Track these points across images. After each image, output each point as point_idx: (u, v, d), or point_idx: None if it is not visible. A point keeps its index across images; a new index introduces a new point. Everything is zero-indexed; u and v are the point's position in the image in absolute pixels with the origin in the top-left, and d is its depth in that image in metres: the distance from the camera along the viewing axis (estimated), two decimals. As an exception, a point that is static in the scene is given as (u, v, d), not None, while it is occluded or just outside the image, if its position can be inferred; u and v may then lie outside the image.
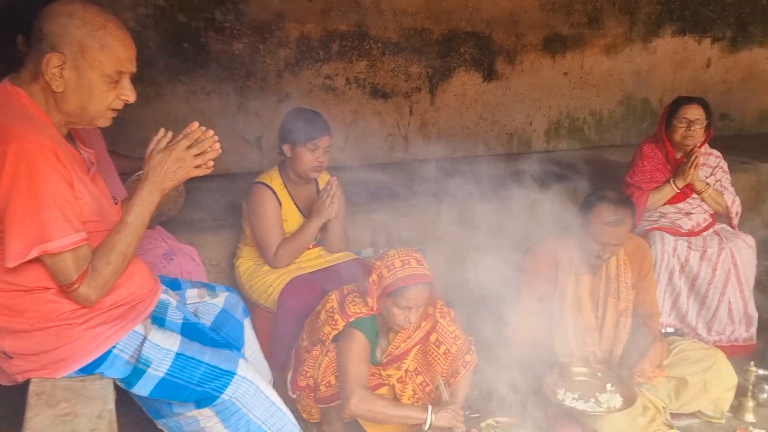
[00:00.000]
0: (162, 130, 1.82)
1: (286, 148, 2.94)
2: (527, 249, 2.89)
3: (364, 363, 2.38)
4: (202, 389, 1.89)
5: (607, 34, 5.04)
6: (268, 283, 2.93)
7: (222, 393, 1.90)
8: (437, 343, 2.54)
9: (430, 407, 2.33)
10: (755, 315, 3.32)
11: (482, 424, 2.63)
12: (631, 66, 5.18)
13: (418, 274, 2.34)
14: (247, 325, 2.43)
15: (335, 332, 2.42)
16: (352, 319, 2.39)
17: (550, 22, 4.82)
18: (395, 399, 2.51)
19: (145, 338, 1.88)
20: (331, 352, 2.46)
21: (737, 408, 2.79)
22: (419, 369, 2.56)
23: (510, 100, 4.84)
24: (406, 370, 2.53)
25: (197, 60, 3.86)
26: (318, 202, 2.93)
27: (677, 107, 3.45)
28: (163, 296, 2.05)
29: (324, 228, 3.01)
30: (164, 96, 3.84)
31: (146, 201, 1.77)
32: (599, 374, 2.67)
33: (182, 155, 1.75)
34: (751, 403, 2.79)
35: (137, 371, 1.85)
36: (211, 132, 1.79)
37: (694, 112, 3.39)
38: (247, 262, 3.08)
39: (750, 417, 2.78)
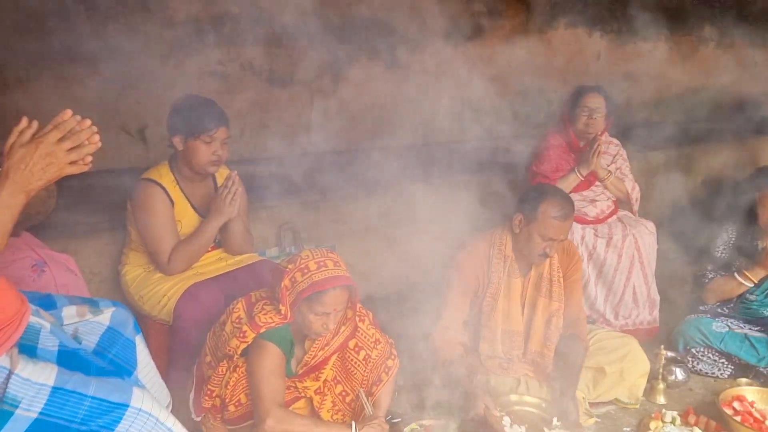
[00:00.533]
0: (24, 120, 1.49)
1: (177, 140, 2.62)
2: (461, 243, 2.74)
3: (279, 378, 2.14)
4: (88, 428, 1.58)
5: (505, 25, 5.05)
6: (162, 292, 2.61)
7: (113, 430, 1.60)
8: (357, 349, 2.36)
9: (354, 424, 2.14)
10: (657, 298, 3.42)
11: (405, 429, 2.48)
12: (527, 56, 5.23)
13: (336, 276, 2.14)
14: (140, 342, 2.12)
15: (244, 345, 2.16)
16: (263, 330, 2.14)
17: (451, 9, 4.75)
18: (313, 412, 2.29)
19: (10, 373, 1.53)
20: (240, 368, 2.19)
21: (649, 391, 2.83)
22: (338, 378, 2.36)
23: (413, 90, 4.71)
24: (325, 381, 2.32)
25: (67, 42, 3.39)
26: (217, 200, 2.64)
27: (579, 96, 3.49)
28: (32, 319, 1.70)
29: (224, 228, 2.72)
30: (28, 84, 3.35)
31: (7, 204, 1.44)
32: (543, 405, 2.54)
33: (52, 149, 1.45)
34: (661, 386, 2.83)
35: (3, 414, 1.51)
36: (88, 122, 1.49)
37: (595, 101, 3.44)
38: (135, 270, 2.73)
39: (661, 399, 2.83)
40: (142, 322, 2.43)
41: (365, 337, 2.37)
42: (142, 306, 2.65)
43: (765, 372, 2.92)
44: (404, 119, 4.76)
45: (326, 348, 2.29)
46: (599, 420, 2.67)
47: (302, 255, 2.20)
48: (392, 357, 2.42)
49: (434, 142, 4.89)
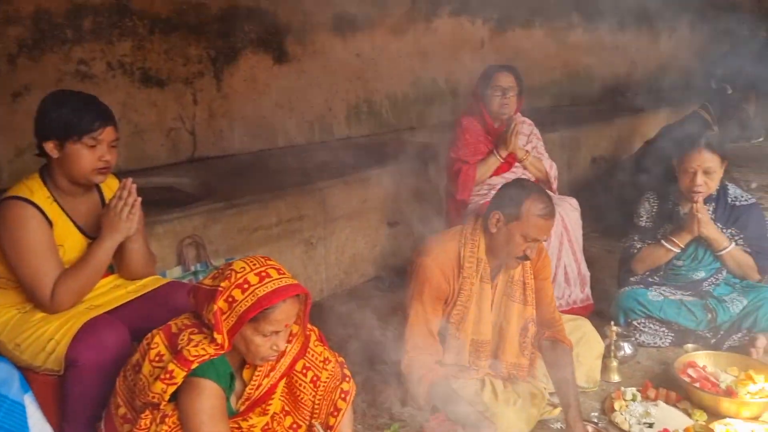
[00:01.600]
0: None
1: (50, 146, 2.11)
2: (420, 249, 2.36)
3: (221, 422, 1.74)
4: None
5: (392, 14, 4.88)
6: (47, 336, 2.07)
7: None
8: (304, 370, 1.99)
9: None
10: (588, 274, 3.37)
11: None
12: (417, 46, 5.10)
13: (285, 286, 1.77)
14: (30, 404, 1.67)
15: (173, 388, 1.72)
16: (195, 366, 1.72)
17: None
18: (263, 456, 1.90)
19: None
20: (170, 417, 1.75)
21: (603, 371, 2.73)
22: (286, 408, 1.99)
23: (306, 85, 4.39)
24: (273, 414, 1.94)
25: None
26: (110, 215, 2.15)
27: (490, 76, 3.37)
28: None
29: (119, 248, 2.24)
30: None
31: None
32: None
33: None
34: (614, 363, 2.75)
35: None
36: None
37: (507, 80, 3.36)
38: (4, 313, 2.16)
39: (616, 377, 2.74)
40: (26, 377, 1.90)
41: (313, 356, 2.01)
42: (20, 356, 2.09)
43: (704, 335, 2.93)
44: (299, 116, 4.42)
45: (272, 374, 1.91)
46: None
47: (235, 268, 1.80)
48: (346, 379, 2.06)
49: (334, 139, 4.60)
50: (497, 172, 3.38)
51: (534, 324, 2.40)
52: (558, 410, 2.48)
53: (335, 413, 1.99)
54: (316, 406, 2.00)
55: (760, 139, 5.30)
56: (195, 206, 3.00)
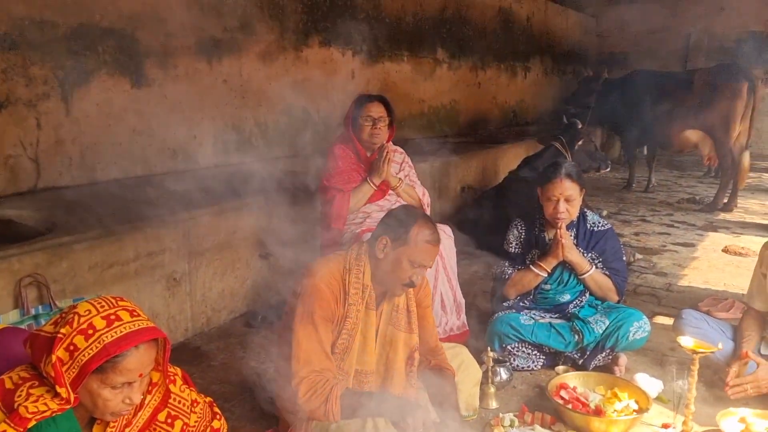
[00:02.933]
0: None
1: None
2: (306, 270, 2.20)
3: None
4: None
5: (260, 41, 4.75)
6: None
7: None
8: (169, 420, 1.78)
9: None
10: (463, 301, 3.40)
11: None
12: (287, 75, 5.01)
13: (138, 330, 1.56)
14: None
15: (4, 454, 1.44)
16: (32, 424, 1.46)
17: (201, 23, 4.29)
18: None
19: None
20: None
21: (481, 398, 2.72)
22: (149, 464, 1.75)
23: (168, 110, 4.11)
24: (133, 473, 1.69)
25: None
26: None
27: (361, 106, 3.36)
28: None
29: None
30: None
31: None
32: None
33: None
34: (492, 390, 2.75)
35: None
36: None
37: (377, 110, 3.36)
38: None
39: (493, 403, 2.74)
40: None
41: (180, 403, 1.80)
42: None
43: (572, 356, 3.04)
44: (160, 143, 4.13)
45: (128, 431, 1.67)
46: (445, 441, 2.46)
47: (79, 311, 1.56)
48: (217, 417, 1.90)
49: (199, 168, 4.34)
50: (371, 200, 3.36)
51: (417, 353, 2.34)
52: (440, 443, 2.43)
53: None
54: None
55: (608, 170, 5.76)
56: (37, 241, 2.64)
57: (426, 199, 3.56)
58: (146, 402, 1.71)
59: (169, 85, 4.11)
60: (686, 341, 2.37)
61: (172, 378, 1.81)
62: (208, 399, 1.96)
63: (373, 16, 5.86)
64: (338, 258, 2.25)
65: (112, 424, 1.65)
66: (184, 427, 1.80)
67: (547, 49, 9.92)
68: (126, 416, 1.67)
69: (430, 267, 2.26)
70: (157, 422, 1.75)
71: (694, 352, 2.31)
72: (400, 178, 3.46)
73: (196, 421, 1.85)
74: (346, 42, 5.58)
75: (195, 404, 1.85)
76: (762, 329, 2.84)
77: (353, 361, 2.20)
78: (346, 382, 2.17)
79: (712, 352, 2.35)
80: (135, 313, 1.60)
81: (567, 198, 2.97)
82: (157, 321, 3.04)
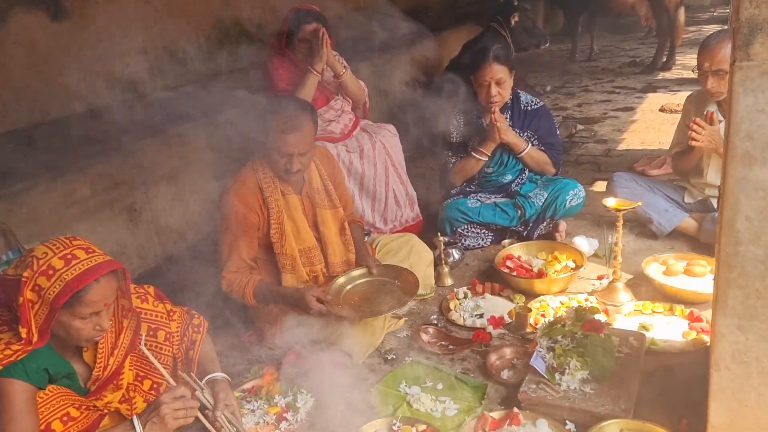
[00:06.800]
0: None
1: None
2: (224, 186, 2.49)
3: (28, 417, 1.67)
4: None
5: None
6: None
7: None
8: (152, 332, 2.00)
9: (135, 418, 1.78)
10: (414, 194, 3.59)
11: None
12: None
13: (95, 266, 1.69)
14: None
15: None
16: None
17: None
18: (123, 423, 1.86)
19: None
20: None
21: (437, 278, 2.98)
22: (141, 373, 1.97)
23: (94, 40, 4.00)
24: (128, 385, 1.91)
25: None
26: None
27: (296, 29, 3.24)
28: None
29: None
30: None
31: None
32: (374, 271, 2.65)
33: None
34: (446, 269, 3.01)
35: None
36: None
37: (312, 29, 3.22)
38: None
39: (449, 281, 3.00)
40: None
41: (156, 316, 2.02)
42: None
43: (517, 230, 3.29)
44: (93, 75, 4.05)
45: (116, 352, 1.86)
46: (407, 318, 2.73)
47: (36, 254, 1.68)
48: (195, 316, 2.15)
49: (137, 95, 4.30)
50: (316, 105, 3.32)
51: (346, 222, 2.66)
52: (402, 321, 2.70)
53: (192, 347, 2.06)
54: (177, 354, 2.05)
55: (547, 45, 5.82)
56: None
57: (367, 91, 3.56)
58: (124, 325, 1.88)
59: (90, 13, 3.97)
60: (609, 201, 2.61)
61: (143, 297, 1.99)
62: (186, 307, 2.16)
63: None
64: (249, 164, 2.50)
65: (101, 349, 1.83)
66: (168, 335, 2.01)
67: None
68: (109, 340, 1.85)
69: (301, 153, 2.40)
70: (140, 337, 1.94)
71: (617, 210, 2.55)
72: (345, 66, 3.39)
73: (177, 328, 2.06)
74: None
75: (172, 314, 2.06)
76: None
77: (292, 244, 2.51)
78: (294, 262, 2.50)
79: (633, 208, 2.60)
80: (90, 250, 1.73)
81: (497, 81, 3.08)
82: (125, 251, 3.17)
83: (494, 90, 3.07)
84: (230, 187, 2.48)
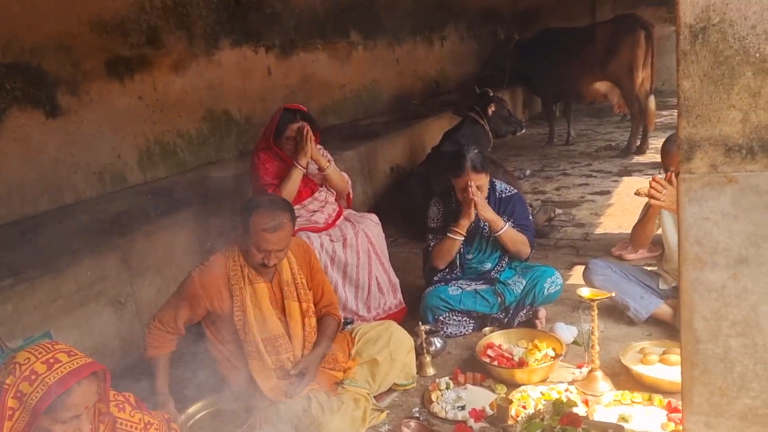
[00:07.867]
0: None
1: None
2: (189, 275, 2.58)
3: None
4: None
5: (170, 52, 4.80)
6: None
7: None
8: (125, 444, 1.97)
9: None
10: (397, 281, 3.64)
11: None
12: (202, 81, 5.08)
13: (79, 367, 1.72)
14: None
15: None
16: None
17: (107, 44, 4.31)
18: None
19: None
20: None
21: (419, 368, 2.99)
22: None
23: (88, 136, 4.16)
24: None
25: None
26: None
27: (283, 128, 3.38)
28: None
29: None
30: None
31: None
32: None
33: None
34: (428, 359, 3.02)
35: None
36: None
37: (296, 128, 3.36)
38: None
39: (431, 371, 3.01)
40: None
41: (130, 427, 1.99)
42: None
43: (498, 317, 3.33)
44: (85, 168, 4.18)
45: (90, 458, 1.85)
46: (389, 411, 2.72)
47: (19, 360, 1.70)
48: (172, 430, 2.11)
49: (128, 187, 4.42)
50: (300, 199, 3.45)
51: (311, 317, 2.68)
52: (384, 414, 2.69)
53: None
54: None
55: (523, 131, 6.07)
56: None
57: (350, 182, 3.66)
58: (101, 431, 1.88)
59: (84, 111, 4.15)
60: (584, 291, 2.69)
61: (121, 405, 1.99)
62: (167, 415, 2.15)
63: (281, 9, 5.93)
64: (221, 251, 2.60)
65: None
66: (140, 449, 1.99)
67: (461, 14, 10.13)
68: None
69: (280, 250, 2.49)
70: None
71: (591, 300, 2.62)
72: (329, 159, 3.50)
73: (152, 438, 2.04)
74: (257, 39, 5.66)
75: (149, 425, 2.02)
76: None
77: (255, 331, 2.53)
78: (258, 350, 2.53)
79: (607, 298, 2.67)
80: (72, 353, 1.76)
81: (476, 186, 3.20)
82: (108, 344, 3.17)
83: (474, 190, 3.17)
84: (198, 267, 2.58)
